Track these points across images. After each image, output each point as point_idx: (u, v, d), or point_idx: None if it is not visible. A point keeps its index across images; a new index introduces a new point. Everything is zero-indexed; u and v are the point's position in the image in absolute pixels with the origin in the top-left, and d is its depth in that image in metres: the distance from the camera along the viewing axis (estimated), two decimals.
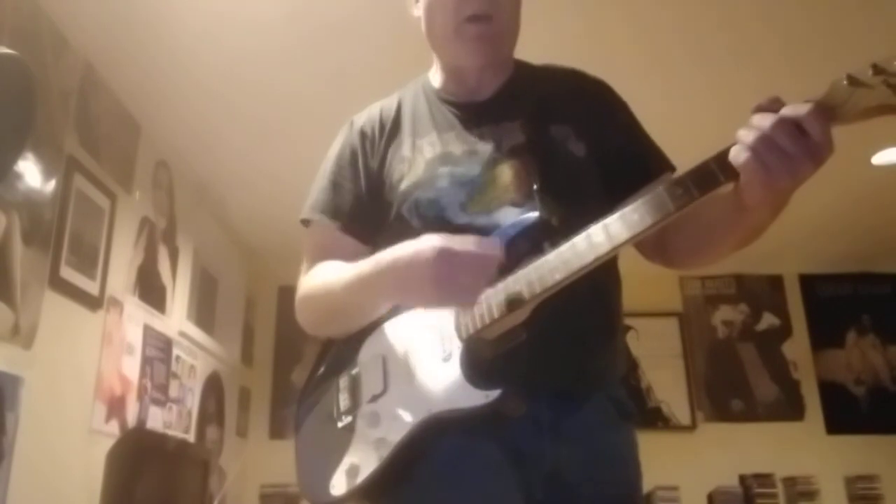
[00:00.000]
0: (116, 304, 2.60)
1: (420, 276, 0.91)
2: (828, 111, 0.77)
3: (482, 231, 1.00)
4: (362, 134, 1.20)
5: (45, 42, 2.21)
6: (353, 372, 1.06)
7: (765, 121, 0.78)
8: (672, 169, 1.14)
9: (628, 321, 4.46)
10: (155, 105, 2.78)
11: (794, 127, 0.77)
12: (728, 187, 0.83)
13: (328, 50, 2.48)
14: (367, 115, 1.23)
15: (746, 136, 0.79)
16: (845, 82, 0.76)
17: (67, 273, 2.27)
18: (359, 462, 0.98)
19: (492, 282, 0.92)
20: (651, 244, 1.05)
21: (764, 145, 0.78)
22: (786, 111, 0.78)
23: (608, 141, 1.12)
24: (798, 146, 0.77)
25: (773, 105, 0.80)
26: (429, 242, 0.92)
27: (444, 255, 0.90)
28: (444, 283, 0.90)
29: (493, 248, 0.91)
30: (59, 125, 2.29)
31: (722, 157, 0.82)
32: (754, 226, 0.91)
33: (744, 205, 0.86)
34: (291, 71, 2.60)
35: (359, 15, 2.31)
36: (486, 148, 1.10)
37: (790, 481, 4.13)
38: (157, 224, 3.01)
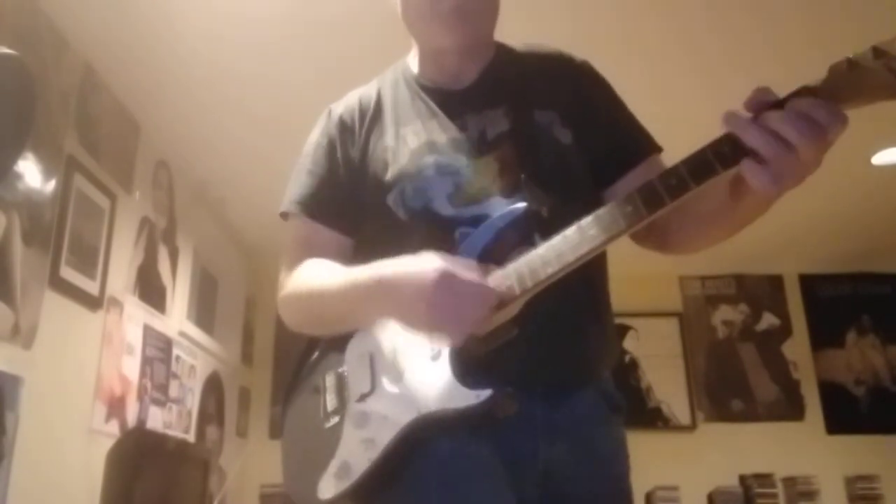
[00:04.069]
0: (116, 304, 2.60)
1: (417, 296, 0.88)
2: (832, 97, 0.74)
3: (470, 223, 0.99)
4: (341, 123, 1.16)
5: (45, 42, 2.21)
6: (340, 370, 1.04)
7: (774, 121, 0.75)
8: (659, 150, 1.12)
9: (628, 321, 4.45)
10: (155, 105, 2.78)
11: (816, 129, 0.73)
12: (723, 176, 0.81)
13: (330, 51, 2.48)
14: (346, 103, 1.19)
15: (753, 137, 0.75)
16: (846, 66, 0.74)
17: (67, 273, 2.27)
18: (347, 464, 0.96)
19: (488, 318, 0.89)
20: (642, 229, 1.04)
21: (773, 147, 0.74)
22: (798, 106, 0.74)
23: (594, 125, 1.10)
24: (810, 145, 0.73)
25: (763, 96, 0.77)
26: (433, 263, 0.89)
27: (446, 279, 0.87)
28: (439, 308, 0.87)
29: (492, 280, 0.88)
30: (59, 125, 2.28)
31: (718, 146, 0.80)
32: (747, 218, 0.90)
33: (739, 203, 0.85)
34: (292, 71, 2.60)
35: (361, 14, 2.31)
36: (470, 136, 1.07)
37: (790, 481, 4.13)
38: (157, 224, 3.01)
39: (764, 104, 0.77)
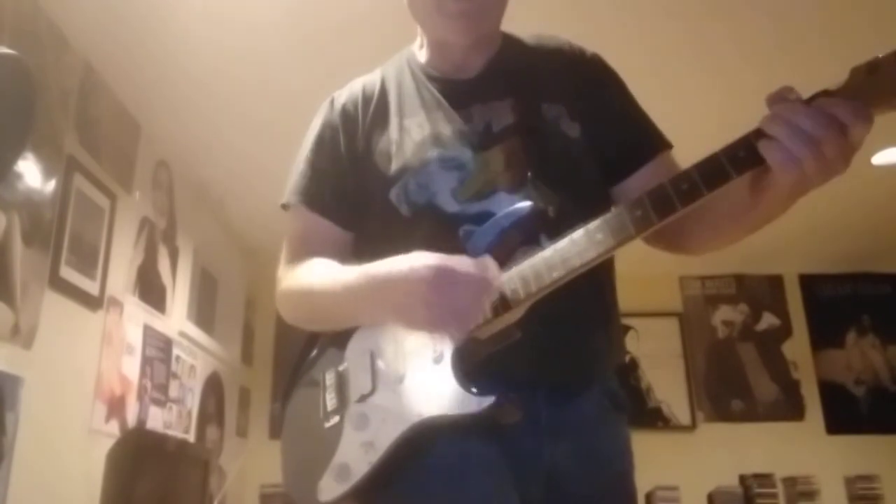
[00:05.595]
0: (116, 304, 2.60)
1: (413, 296, 0.85)
2: (870, 109, 0.72)
3: (474, 219, 0.97)
4: (344, 113, 1.13)
5: (45, 42, 2.21)
6: (341, 368, 1.02)
7: (814, 127, 0.73)
8: (669, 147, 1.10)
9: (628, 321, 4.44)
10: (155, 105, 2.78)
11: (842, 132, 0.72)
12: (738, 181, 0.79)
13: (328, 49, 2.48)
14: (349, 92, 1.16)
15: (783, 133, 0.74)
16: (866, 70, 0.72)
17: (67, 273, 2.27)
18: (347, 466, 0.94)
19: (487, 310, 0.87)
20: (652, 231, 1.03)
21: (811, 152, 0.73)
22: (836, 113, 0.72)
23: (603, 119, 1.08)
24: (840, 151, 0.73)
25: (787, 95, 0.76)
26: (424, 260, 0.86)
27: (441, 275, 0.84)
28: (437, 306, 0.84)
29: (492, 272, 0.86)
30: (59, 125, 2.28)
31: (733, 151, 0.78)
32: (764, 220, 0.88)
33: (759, 201, 0.82)
34: (291, 70, 2.60)
35: (359, 14, 2.32)
36: (475, 128, 1.05)
37: (790, 481, 4.13)
38: (157, 224, 3.01)
39: (785, 101, 0.76)
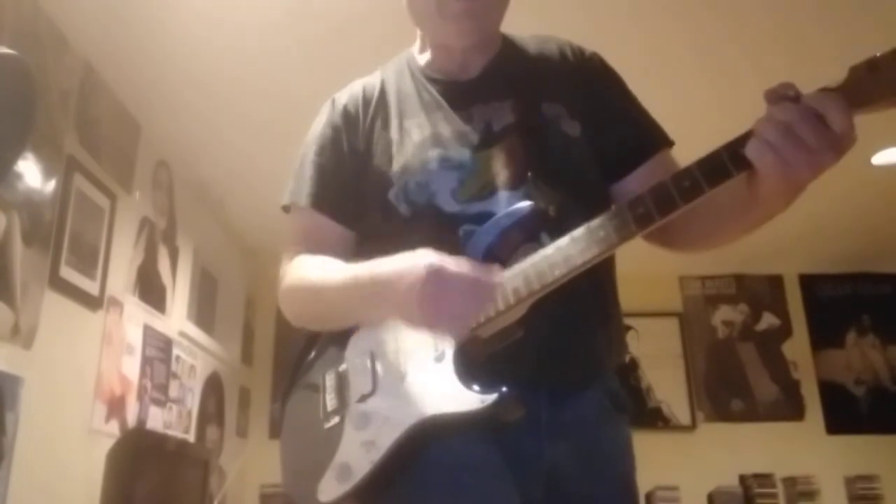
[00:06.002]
0: (116, 304, 2.60)
1: (407, 293, 0.86)
2: (851, 100, 0.73)
3: (474, 219, 0.97)
4: (345, 113, 1.14)
5: (45, 42, 2.21)
6: (341, 369, 1.01)
7: (786, 114, 0.74)
8: (670, 144, 1.10)
9: (628, 321, 4.45)
10: (155, 105, 2.78)
11: (817, 119, 0.73)
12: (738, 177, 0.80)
13: (328, 49, 2.48)
14: (350, 93, 1.17)
15: (767, 130, 0.75)
16: (865, 68, 0.72)
17: (67, 273, 2.27)
18: (348, 466, 0.94)
19: (486, 310, 0.87)
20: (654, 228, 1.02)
21: (786, 140, 0.74)
22: (809, 102, 0.74)
23: (603, 118, 1.08)
24: (821, 139, 0.73)
25: (786, 91, 0.76)
26: (423, 259, 0.87)
27: (435, 274, 0.85)
28: (429, 304, 0.85)
29: (492, 275, 0.86)
30: (59, 125, 2.28)
31: (734, 148, 0.79)
32: (765, 216, 0.88)
33: (757, 197, 0.82)
34: (291, 71, 2.60)
35: (359, 14, 2.31)
36: (476, 129, 1.05)
37: (790, 481, 4.13)
38: (157, 224, 3.01)
39: (784, 97, 0.76)
